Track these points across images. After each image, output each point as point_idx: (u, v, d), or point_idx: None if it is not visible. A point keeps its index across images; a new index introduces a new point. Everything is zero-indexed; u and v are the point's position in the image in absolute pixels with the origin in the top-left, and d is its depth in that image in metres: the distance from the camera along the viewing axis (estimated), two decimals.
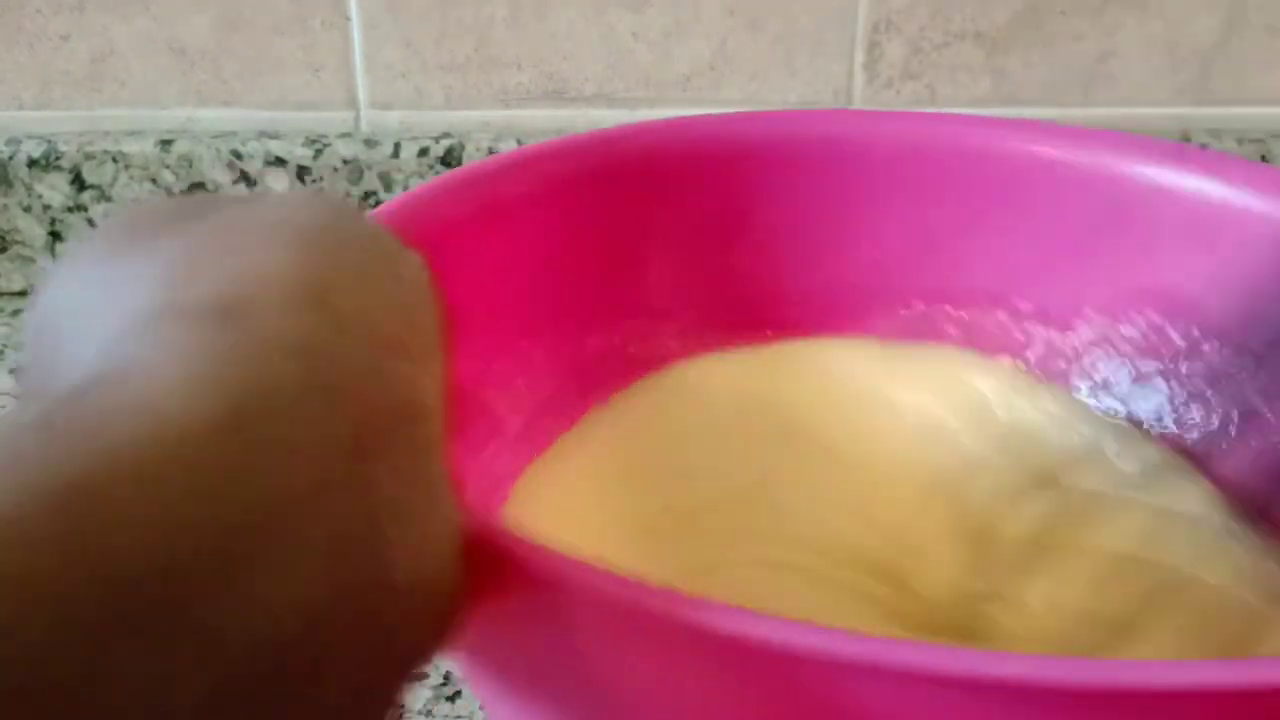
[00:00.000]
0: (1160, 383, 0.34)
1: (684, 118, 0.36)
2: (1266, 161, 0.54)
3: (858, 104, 0.54)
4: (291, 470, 0.15)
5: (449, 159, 0.53)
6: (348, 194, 0.53)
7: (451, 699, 0.33)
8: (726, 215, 0.36)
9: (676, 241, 0.35)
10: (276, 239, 0.18)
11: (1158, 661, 0.23)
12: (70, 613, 0.13)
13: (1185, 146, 0.33)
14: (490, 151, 0.53)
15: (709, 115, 0.36)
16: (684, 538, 0.30)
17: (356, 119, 0.54)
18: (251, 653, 0.14)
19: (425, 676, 0.33)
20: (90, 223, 0.53)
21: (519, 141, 0.53)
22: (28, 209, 0.53)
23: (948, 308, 0.36)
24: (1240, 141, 0.54)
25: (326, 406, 0.16)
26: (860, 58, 0.54)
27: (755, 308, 0.36)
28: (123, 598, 0.13)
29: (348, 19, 0.52)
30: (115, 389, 0.15)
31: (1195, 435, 0.33)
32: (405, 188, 0.53)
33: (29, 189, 0.53)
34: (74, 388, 0.15)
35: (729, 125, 0.36)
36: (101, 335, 0.17)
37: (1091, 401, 0.35)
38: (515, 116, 0.54)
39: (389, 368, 0.18)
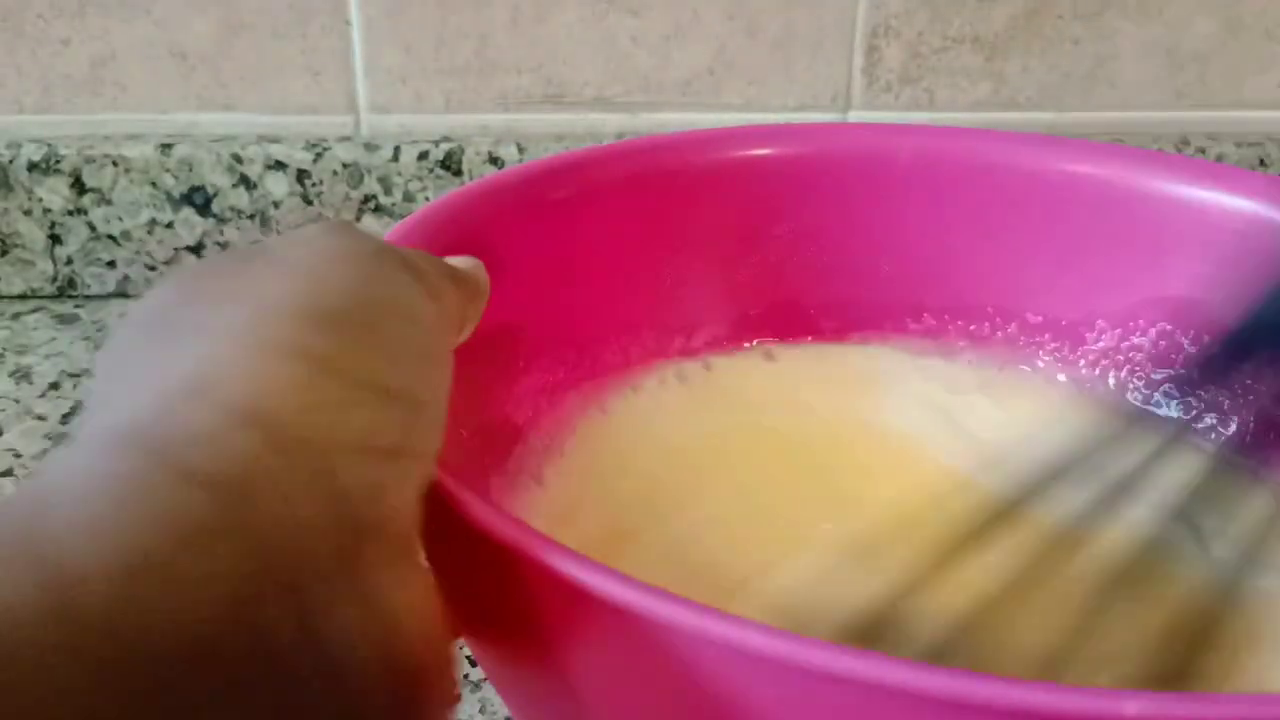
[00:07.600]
0: (1173, 390, 0.34)
1: (713, 130, 0.37)
2: (1264, 166, 0.54)
3: (856, 108, 0.54)
4: (186, 621, 0.14)
5: (449, 163, 0.53)
6: (347, 197, 0.53)
7: None
8: (747, 226, 0.36)
9: (700, 251, 0.36)
10: (271, 316, 0.18)
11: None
12: None
13: (1198, 160, 0.34)
14: (490, 156, 0.53)
15: (739, 127, 0.37)
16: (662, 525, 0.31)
17: (356, 123, 0.54)
18: None
19: None
20: (90, 226, 0.53)
21: (519, 146, 0.53)
22: (28, 212, 0.53)
23: (959, 321, 0.37)
24: (1238, 145, 0.54)
25: (231, 549, 0.15)
26: (859, 62, 0.54)
27: (775, 317, 0.37)
28: None
29: (348, 23, 0.52)
30: (35, 520, 0.15)
31: (1210, 440, 0.33)
32: (405, 192, 0.53)
33: (29, 192, 0.53)
34: (16, 498, 0.16)
35: (751, 138, 0.36)
36: (120, 405, 0.17)
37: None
38: (515, 121, 0.54)
39: (338, 484, 0.17)
